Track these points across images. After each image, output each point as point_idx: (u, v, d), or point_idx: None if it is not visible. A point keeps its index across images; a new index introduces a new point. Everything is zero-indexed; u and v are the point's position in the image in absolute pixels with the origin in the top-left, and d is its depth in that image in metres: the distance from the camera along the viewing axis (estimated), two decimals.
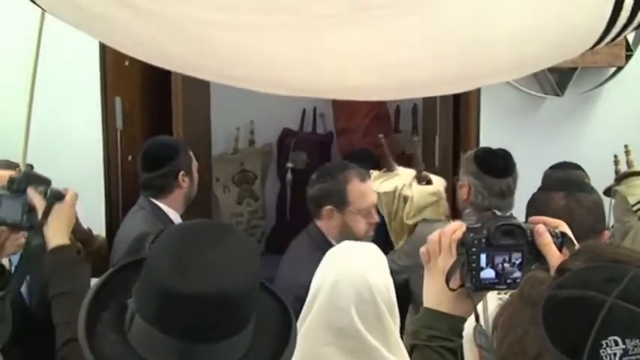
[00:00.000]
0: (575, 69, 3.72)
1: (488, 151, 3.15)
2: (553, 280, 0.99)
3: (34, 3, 1.71)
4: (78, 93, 3.65)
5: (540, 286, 0.99)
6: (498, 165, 3.02)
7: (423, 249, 1.40)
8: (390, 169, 3.52)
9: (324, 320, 1.72)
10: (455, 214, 3.34)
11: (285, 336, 1.35)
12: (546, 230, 1.34)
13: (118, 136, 3.71)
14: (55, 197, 2.03)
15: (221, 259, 1.23)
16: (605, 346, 0.89)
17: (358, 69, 1.65)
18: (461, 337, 1.37)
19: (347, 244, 1.96)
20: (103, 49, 3.54)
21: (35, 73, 2.29)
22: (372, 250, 1.88)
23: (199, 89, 4.08)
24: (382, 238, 3.34)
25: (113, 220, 3.67)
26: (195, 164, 3.24)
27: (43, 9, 1.77)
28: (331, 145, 5.52)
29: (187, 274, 1.19)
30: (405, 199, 3.34)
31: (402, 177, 3.45)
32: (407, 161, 5.51)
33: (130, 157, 3.79)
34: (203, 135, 4.36)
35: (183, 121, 3.68)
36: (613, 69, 3.81)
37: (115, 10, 1.55)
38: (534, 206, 2.09)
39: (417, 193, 3.30)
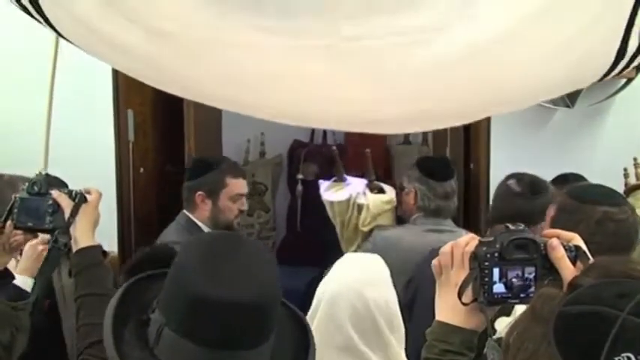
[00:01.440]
0: None
1: (428, 157, 3.72)
2: (564, 296, 0.98)
3: (53, 29, 1.72)
4: (91, 105, 3.68)
5: (552, 302, 0.98)
6: (440, 169, 3.32)
7: (435, 262, 1.40)
8: (340, 179, 3.74)
9: (325, 337, 1.71)
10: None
11: (304, 342, 1.36)
12: (560, 244, 1.33)
13: (130, 149, 3.73)
14: (82, 198, 2.04)
15: (248, 267, 1.24)
16: None
17: (382, 96, 1.66)
18: (473, 351, 1.36)
19: (351, 256, 1.96)
20: None
21: (52, 89, 2.31)
22: (375, 263, 1.86)
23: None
24: None
25: (125, 232, 3.69)
26: (230, 193, 3.08)
27: (59, 34, 1.79)
28: (343, 157, 5.51)
29: (219, 282, 1.19)
30: (360, 207, 3.54)
31: (354, 186, 3.69)
32: None
33: (141, 169, 3.81)
34: (214, 147, 4.38)
35: (195, 133, 3.70)
36: (623, 80, 3.80)
37: (128, 32, 1.57)
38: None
39: (373, 201, 3.54)
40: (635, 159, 3.21)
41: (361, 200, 3.53)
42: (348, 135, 5.54)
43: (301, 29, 1.48)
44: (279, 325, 1.30)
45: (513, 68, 1.59)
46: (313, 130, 5.70)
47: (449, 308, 1.37)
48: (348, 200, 3.58)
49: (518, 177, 2.86)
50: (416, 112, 1.72)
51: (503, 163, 3.78)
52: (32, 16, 1.73)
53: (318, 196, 4.66)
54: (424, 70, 1.55)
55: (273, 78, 1.61)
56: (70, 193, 2.06)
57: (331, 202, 3.71)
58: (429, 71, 1.55)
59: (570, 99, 3.81)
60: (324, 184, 3.82)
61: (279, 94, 1.69)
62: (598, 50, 1.62)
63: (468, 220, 3.88)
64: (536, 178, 2.84)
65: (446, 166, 3.43)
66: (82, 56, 3.28)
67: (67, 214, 2.01)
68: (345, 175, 3.76)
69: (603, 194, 2.11)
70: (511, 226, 1.36)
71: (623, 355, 0.89)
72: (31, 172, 2.54)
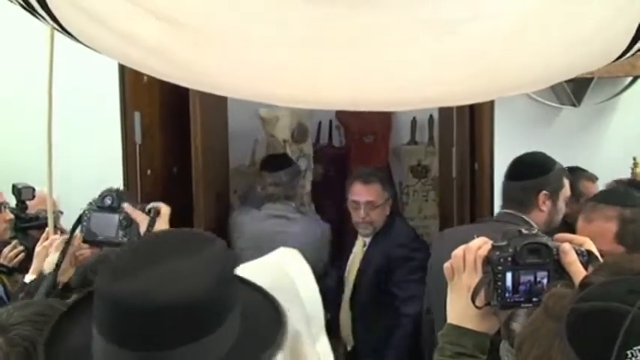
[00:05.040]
0: (591, 79, 3.71)
1: (270, 154, 4.53)
2: (576, 294, 1.00)
3: (57, 24, 1.73)
4: (98, 108, 3.70)
5: (563, 301, 0.99)
6: (270, 162, 4.06)
7: (447, 264, 1.40)
8: None
9: None
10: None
11: (272, 337, 1.29)
12: (572, 249, 1.34)
13: (137, 151, 3.75)
14: (156, 212, 2.06)
15: (180, 266, 1.19)
16: (630, 356, 0.90)
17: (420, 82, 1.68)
18: (485, 353, 1.36)
19: None
20: (123, 65, 3.59)
21: (51, 92, 2.33)
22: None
23: (217, 103, 4.12)
24: None
25: None
26: (565, 194, 2.85)
27: (62, 28, 1.79)
28: (348, 157, 5.54)
29: (120, 279, 1.16)
30: None
31: None
32: (423, 172, 5.56)
33: (149, 172, 3.83)
34: (221, 148, 4.40)
35: (202, 134, 3.72)
36: (629, 78, 3.80)
37: (144, 24, 1.58)
38: None
39: None
40: (634, 158, 3.20)
41: None
42: (352, 136, 5.58)
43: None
44: (245, 313, 1.27)
45: (532, 53, 1.62)
46: (319, 131, 5.72)
47: (461, 311, 1.38)
48: None
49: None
50: (441, 90, 1.75)
51: (507, 162, 3.75)
52: (34, 13, 1.73)
53: (324, 196, 4.71)
54: (459, 49, 1.57)
55: (293, 73, 1.62)
56: (142, 208, 2.07)
57: None
58: (464, 50, 1.57)
59: (576, 98, 3.81)
60: None
61: (296, 83, 1.70)
62: (615, 32, 1.64)
63: (473, 218, 3.89)
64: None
65: (280, 159, 4.21)
66: (89, 59, 3.31)
67: (142, 228, 2.03)
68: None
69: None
70: (524, 231, 1.37)
71: (635, 348, 0.90)
72: (35, 175, 2.56)
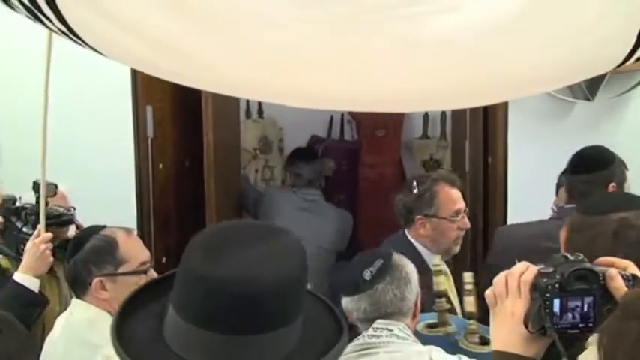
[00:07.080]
0: (605, 73, 3.68)
1: (299, 147, 4.83)
2: None
3: (60, 21, 1.70)
4: (110, 102, 3.70)
5: None
6: (304, 152, 4.63)
7: (489, 291, 1.40)
8: None
9: None
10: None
11: (334, 340, 1.31)
12: (618, 273, 1.33)
13: (149, 145, 3.76)
14: None
15: (257, 255, 1.19)
16: None
17: (406, 72, 1.66)
18: None
19: None
20: None
21: (47, 88, 2.32)
22: None
23: (229, 98, 4.11)
24: None
25: (144, 227, 3.71)
26: (628, 187, 2.76)
27: (68, 28, 1.76)
28: (360, 152, 5.52)
29: (214, 260, 1.16)
30: None
31: None
32: (435, 166, 5.54)
33: (160, 165, 3.83)
34: (233, 142, 4.40)
35: (214, 129, 3.71)
36: None
37: (156, 13, 1.56)
38: None
39: None
40: None
41: None
42: (364, 130, 5.56)
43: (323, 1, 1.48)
44: (309, 318, 1.28)
45: (528, 50, 1.59)
46: (331, 126, 5.71)
47: (506, 337, 1.37)
48: None
49: None
50: (433, 88, 1.72)
51: (521, 156, 3.77)
52: (37, 15, 1.70)
53: (336, 191, 4.71)
54: (443, 43, 1.55)
55: (291, 53, 1.59)
56: None
57: None
58: (447, 44, 1.55)
59: (590, 91, 3.78)
60: None
61: (298, 71, 1.68)
62: (617, 35, 1.61)
63: (486, 212, 3.87)
64: None
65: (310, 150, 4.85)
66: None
67: None
68: None
69: (614, 201, 1.93)
70: (570, 256, 1.37)
71: None
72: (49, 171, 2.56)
